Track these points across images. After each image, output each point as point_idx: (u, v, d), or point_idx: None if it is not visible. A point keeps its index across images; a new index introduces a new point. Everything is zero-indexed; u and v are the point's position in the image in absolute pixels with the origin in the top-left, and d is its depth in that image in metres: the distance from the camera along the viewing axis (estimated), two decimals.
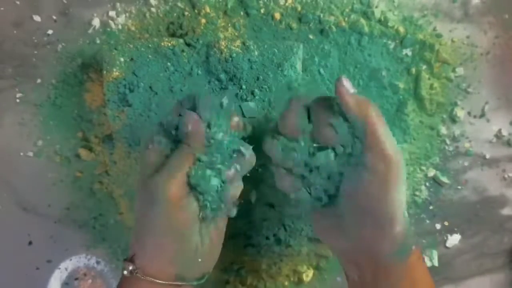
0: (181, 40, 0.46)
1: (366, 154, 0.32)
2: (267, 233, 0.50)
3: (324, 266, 0.52)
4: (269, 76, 0.45)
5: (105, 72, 0.45)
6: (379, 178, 0.32)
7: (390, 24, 0.49)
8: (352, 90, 0.33)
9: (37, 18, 0.48)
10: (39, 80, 0.49)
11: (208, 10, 0.48)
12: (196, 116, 0.35)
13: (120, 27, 0.49)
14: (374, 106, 0.33)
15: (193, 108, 0.36)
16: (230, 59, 0.44)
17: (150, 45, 0.45)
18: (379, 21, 0.49)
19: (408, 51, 0.50)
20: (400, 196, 0.32)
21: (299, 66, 0.45)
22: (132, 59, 0.45)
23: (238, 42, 0.45)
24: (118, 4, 0.48)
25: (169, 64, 0.45)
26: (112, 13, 0.48)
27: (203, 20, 0.47)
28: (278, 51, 0.45)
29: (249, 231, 0.50)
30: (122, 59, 0.45)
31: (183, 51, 0.45)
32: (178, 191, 0.34)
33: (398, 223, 0.32)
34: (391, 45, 0.50)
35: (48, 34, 0.48)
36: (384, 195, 0.32)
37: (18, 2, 0.48)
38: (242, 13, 0.48)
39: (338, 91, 0.33)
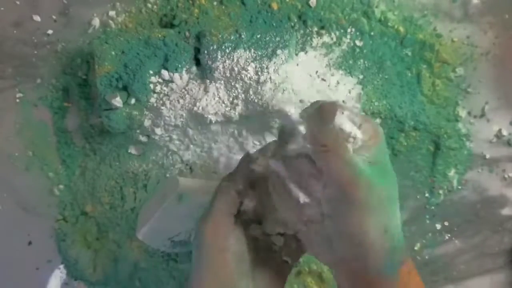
0: (171, 31, 0.45)
1: (325, 187, 0.32)
2: None
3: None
4: (264, 63, 0.44)
5: (97, 66, 0.44)
6: (343, 207, 0.31)
7: (390, 24, 0.49)
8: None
9: (37, 18, 0.48)
10: (39, 80, 0.49)
11: (203, 1, 0.47)
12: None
13: (119, 26, 0.49)
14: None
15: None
16: (223, 47, 0.44)
17: (140, 37, 0.44)
18: (379, 21, 0.49)
19: (408, 51, 0.50)
20: (375, 218, 0.31)
21: (292, 51, 0.45)
22: (123, 52, 0.44)
23: (230, 30, 0.44)
24: (118, 4, 0.48)
25: (160, 55, 0.44)
26: (112, 13, 0.48)
27: (196, 11, 0.46)
28: (271, 39, 0.44)
29: None
30: (113, 53, 0.44)
31: (173, 41, 0.44)
32: (217, 235, 0.33)
33: (378, 243, 0.31)
34: (392, 44, 0.50)
35: (48, 34, 0.48)
36: (354, 221, 0.31)
37: (18, 2, 0.48)
38: (238, 2, 0.47)
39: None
